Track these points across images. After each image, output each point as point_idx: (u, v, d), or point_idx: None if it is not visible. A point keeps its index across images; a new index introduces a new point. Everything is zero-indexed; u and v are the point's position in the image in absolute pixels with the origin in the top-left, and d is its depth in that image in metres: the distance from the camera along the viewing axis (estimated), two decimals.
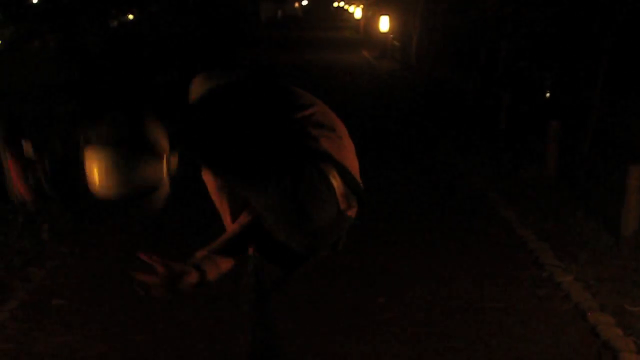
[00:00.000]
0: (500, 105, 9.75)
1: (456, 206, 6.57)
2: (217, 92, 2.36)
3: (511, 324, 4.17)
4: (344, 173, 2.31)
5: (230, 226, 2.49)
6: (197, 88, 2.39)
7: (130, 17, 18.85)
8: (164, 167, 2.21)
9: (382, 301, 4.49)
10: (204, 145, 2.34)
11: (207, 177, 2.53)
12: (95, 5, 12.10)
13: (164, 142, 2.20)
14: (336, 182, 2.28)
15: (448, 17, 15.54)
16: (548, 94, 10.38)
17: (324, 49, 25.24)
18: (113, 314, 4.35)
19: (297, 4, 55.85)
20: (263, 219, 2.38)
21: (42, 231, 5.54)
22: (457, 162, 8.23)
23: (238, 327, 3.10)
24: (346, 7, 51.63)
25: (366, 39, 28.71)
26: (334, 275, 4.80)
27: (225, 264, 2.37)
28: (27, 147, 2.51)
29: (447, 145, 9.12)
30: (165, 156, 2.22)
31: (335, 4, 62.05)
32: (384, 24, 21.53)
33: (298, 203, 2.25)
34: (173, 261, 2.21)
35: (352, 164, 2.40)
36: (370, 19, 29.05)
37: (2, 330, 4.17)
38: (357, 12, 36.20)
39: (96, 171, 2.16)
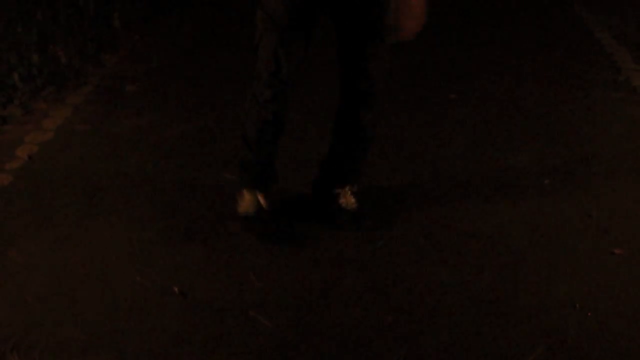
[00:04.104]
0: None
1: (532, 5, 6.30)
2: None
3: (583, 123, 4.08)
4: None
5: None
6: None
7: None
8: None
9: (454, 97, 4.44)
10: None
11: None
12: None
13: None
14: None
15: None
16: None
17: None
18: (184, 99, 4.42)
19: None
20: None
21: (114, 19, 5.55)
22: None
23: None
24: None
25: None
26: (411, 69, 4.80)
27: None
28: None
29: None
30: None
31: None
32: None
33: None
34: None
35: None
36: None
37: (78, 113, 4.29)
38: None
39: None
